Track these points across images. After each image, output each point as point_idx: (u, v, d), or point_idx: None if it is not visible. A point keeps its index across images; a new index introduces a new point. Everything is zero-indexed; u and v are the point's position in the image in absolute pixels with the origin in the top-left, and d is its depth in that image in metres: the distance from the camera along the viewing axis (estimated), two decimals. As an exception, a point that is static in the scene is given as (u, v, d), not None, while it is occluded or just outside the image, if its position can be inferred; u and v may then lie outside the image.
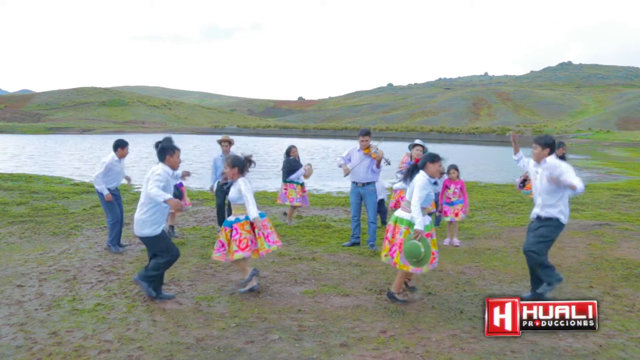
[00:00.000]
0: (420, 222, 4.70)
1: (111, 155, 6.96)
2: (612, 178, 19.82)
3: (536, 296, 5.02)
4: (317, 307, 4.87)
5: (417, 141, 7.71)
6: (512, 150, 5.58)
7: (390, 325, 4.44)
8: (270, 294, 5.24)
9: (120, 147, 6.98)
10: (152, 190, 4.61)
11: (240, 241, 5.11)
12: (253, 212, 5.04)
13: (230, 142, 8.34)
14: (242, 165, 5.22)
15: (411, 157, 7.68)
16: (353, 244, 7.38)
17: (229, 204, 5.63)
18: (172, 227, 7.87)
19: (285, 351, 3.91)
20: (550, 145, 5.04)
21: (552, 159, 4.97)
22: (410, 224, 4.83)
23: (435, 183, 5.06)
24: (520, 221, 9.49)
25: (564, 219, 4.96)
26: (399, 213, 5.03)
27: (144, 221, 4.84)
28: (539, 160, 5.02)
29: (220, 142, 8.30)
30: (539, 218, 4.99)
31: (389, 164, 7.20)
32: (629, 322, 4.56)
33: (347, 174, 7.25)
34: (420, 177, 4.89)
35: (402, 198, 7.77)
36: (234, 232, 5.13)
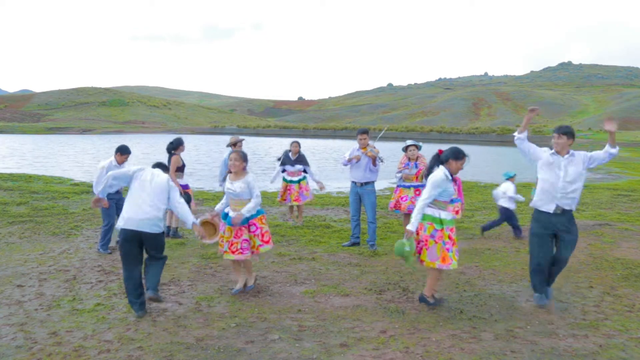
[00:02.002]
0: (415, 222, 4.65)
1: (110, 159, 6.92)
2: (612, 178, 19.81)
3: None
4: (317, 307, 4.87)
5: (410, 142, 7.75)
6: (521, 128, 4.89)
7: (390, 325, 4.44)
8: (270, 294, 5.24)
9: (119, 152, 6.93)
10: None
11: (263, 235, 5.23)
12: (251, 209, 5.09)
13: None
14: (247, 163, 5.32)
15: (409, 158, 7.72)
16: (353, 244, 7.38)
17: None
18: (176, 228, 7.85)
19: (285, 351, 3.91)
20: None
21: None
22: (434, 219, 4.73)
23: (453, 180, 4.92)
24: (519, 221, 9.47)
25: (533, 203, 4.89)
26: None
27: (161, 218, 4.78)
28: (562, 150, 4.79)
29: (233, 144, 8.10)
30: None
31: (382, 161, 7.20)
32: (629, 322, 4.56)
33: (357, 160, 7.19)
34: (438, 173, 4.73)
35: (402, 198, 7.80)
36: (253, 227, 5.18)
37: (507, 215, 8.22)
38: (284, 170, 9.02)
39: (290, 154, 9.00)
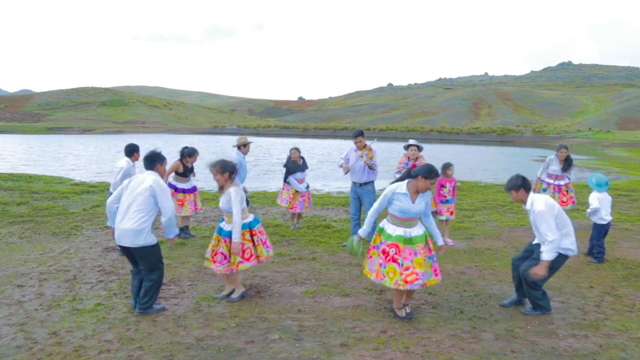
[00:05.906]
0: (366, 229, 4.72)
1: (125, 159, 6.85)
2: (612, 178, 19.80)
3: (517, 304, 4.94)
4: (317, 307, 4.88)
5: (412, 141, 7.70)
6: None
7: (390, 325, 4.44)
8: (270, 294, 5.25)
9: (136, 151, 6.96)
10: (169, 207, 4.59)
11: (244, 251, 4.95)
12: (236, 231, 4.77)
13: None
14: (232, 170, 4.95)
15: (408, 158, 7.68)
16: (353, 244, 7.36)
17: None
18: (180, 229, 7.75)
19: (285, 351, 3.91)
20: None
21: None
22: (381, 231, 4.66)
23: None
24: (520, 221, 9.48)
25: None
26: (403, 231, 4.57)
27: (142, 230, 4.48)
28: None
29: (238, 146, 7.94)
30: None
31: (373, 169, 7.16)
32: (629, 322, 4.56)
33: (346, 172, 7.35)
34: (393, 185, 4.59)
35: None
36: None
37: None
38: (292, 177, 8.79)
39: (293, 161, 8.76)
